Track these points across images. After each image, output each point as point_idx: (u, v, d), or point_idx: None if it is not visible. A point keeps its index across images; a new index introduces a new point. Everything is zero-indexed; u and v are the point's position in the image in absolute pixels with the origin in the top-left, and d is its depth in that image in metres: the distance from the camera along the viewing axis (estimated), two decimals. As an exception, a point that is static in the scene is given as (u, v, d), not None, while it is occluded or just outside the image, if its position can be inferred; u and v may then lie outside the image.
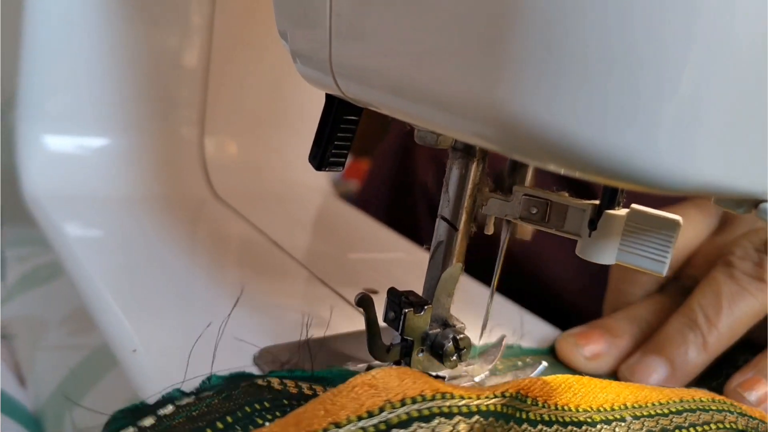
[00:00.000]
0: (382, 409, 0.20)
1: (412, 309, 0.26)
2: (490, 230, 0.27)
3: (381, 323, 0.28)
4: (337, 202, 0.55)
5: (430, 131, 0.26)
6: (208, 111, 0.49)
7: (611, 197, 0.24)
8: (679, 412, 0.28)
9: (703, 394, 0.30)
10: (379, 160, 0.76)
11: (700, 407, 0.29)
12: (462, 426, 0.21)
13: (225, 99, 0.50)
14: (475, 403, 0.22)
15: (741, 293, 0.34)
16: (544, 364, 0.31)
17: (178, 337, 0.30)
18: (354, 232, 0.49)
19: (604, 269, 0.42)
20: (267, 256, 0.41)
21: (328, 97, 0.27)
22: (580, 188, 0.29)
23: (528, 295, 0.43)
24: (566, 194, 0.26)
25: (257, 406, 0.23)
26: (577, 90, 0.17)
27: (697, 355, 0.33)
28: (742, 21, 0.17)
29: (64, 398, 0.35)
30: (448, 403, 0.22)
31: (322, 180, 0.55)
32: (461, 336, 0.26)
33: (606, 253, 0.25)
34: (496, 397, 0.23)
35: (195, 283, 0.36)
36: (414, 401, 0.21)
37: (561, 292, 0.54)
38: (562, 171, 0.20)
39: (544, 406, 0.25)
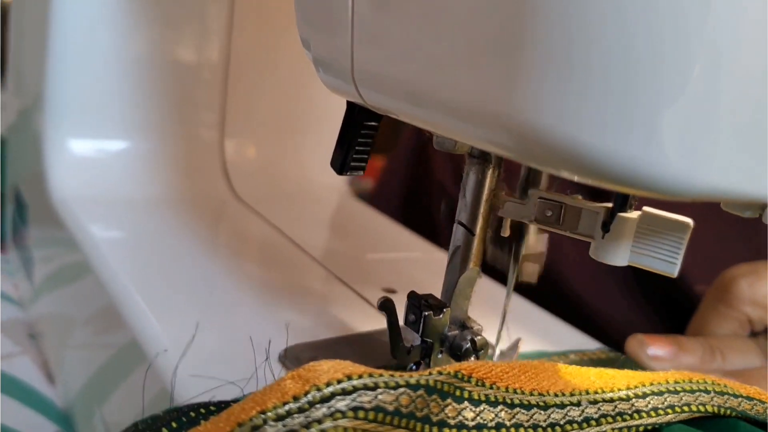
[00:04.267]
0: (307, 393, 0.20)
1: (431, 312, 0.27)
2: (506, 232, 0.28)
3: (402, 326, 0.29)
4: (354, 202, 0.56)
5: (449, 138, 0.27)
6: (228, 114, 0.50)
7: (623, 200, 0.25)
8: (644, 396, 0.26)
9: (688, 377, 0.28)
10: (395, 158, 0.76)
11: (670, 390, 0.27)
12: (385, 396, 0.21)
13: (244, 103, 0.51)
14: (405, 378, 0.22)
15: None
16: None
17: (203, 333, 0.31)
18: (371, 232, 0.50)
19: (627, 271, 0.43)
20: (286, 255, 0.42)
21: (349, 103, 0.28)
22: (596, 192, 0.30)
23: (550, 300, 0.43)
24: (580, 197, 0.27)
25: (192, 414, 0.23)
26: (584, 100, 0.18)
27: None
28: (747, 28, 0.17)
29: (93, 394, 0.36)
30: (373, 380, 0.21)
31: (339, 180, 0.56)
32: (479, 337, 0.27)
33: (619, 255, 0.25)
34: (431, 375, 0.22)
35: (217, 281, 0.37)
36: (339, 382, 0.21)
37: (583, 295, 0.55)
38: (575, 178, 0.21)
39: (491, 388, 0.23)
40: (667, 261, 0.25)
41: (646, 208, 0.26)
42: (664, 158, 0.18)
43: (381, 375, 0.22)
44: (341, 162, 0.29)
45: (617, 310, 0.46)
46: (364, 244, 0.47)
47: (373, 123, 0.29)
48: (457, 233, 0.27)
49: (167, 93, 0.48)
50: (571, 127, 0.18)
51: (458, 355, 0.27)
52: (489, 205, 0.27)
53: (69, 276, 0.44)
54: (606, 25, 0.17)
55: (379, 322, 0.30)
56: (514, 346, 0.30)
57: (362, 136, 0.29)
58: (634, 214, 0.25)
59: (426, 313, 0.26)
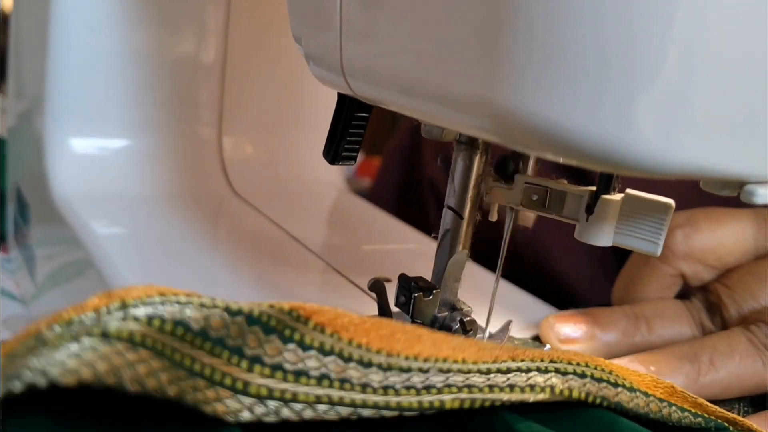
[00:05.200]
0: (109, 306, 0.18)
1: (421, 293, 0.27)
2: (494, 217, 0.29)
3: (393, 308, 0.29)
4: (350, 197, 0.56)
5: (436, 125, 0.28)
6: (226, 112, 0.51)
7: (607, 183, 0.26)
8: (507, 371, 0.23)
9: (569, 357, 0.25)
10: (389, 156, 0.78)
11: (540, 369, 0.24)
12: (193, 313, 0.19)
13: (241, 100, 0.52)
14: (227, 303, 0.20)
15: (754, 358, 0.31)
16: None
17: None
18: (367, 225, 0.51)
19: (608, 254, 0.43)
20: (285, 248, 0.42)
21: (340, 96, 0.29)
22: (581, 175, 0.30)
23: (536, 284, 0.44)
24: (565, 181, 0.27)
25: None
26: (563, 84, 0.18)
27: (683, 387, 0.29)
28: (720, 8, 0.18)
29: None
30: (189, 299, 0.19)
31: (336, 176, 0.57)
32: (468, 318, 0.28)
33: (603, 236, 0.26)
34: (261, 306, 0.20)
35: (217, 275, 0.37)
36: (150, 298, 0.19)
37: (567, 279, 0.55)
38: (561, 159, 0.22)
39: (331, 336, 0.20)
40: (650, 241, 0.26)
41: (628, 191, 0.26)
42: (640, 137, 0.19)
43: (201, 297, 0.20)
44: (333, 152, 0.30)
45: (602, 291, 0.46)
46: (360, 237, 0.47)
47: (363, 114, 0.30)
48: (447, 217, 0.28)
49: (166, 91, 0.48)
50: (551, 110, 0.19)
51: (448, 335, 0.28)
52: (477, 190, 0.27)
53: (71, 273, 0.44)
54: (581, 13, 0.18)
55: (374, 309, 0.31)
56: (505, 328, 0.31)
57: (353, 126, 0.30)
58: (617, 197, 0.26)
59: (416, 295, 0.27)
